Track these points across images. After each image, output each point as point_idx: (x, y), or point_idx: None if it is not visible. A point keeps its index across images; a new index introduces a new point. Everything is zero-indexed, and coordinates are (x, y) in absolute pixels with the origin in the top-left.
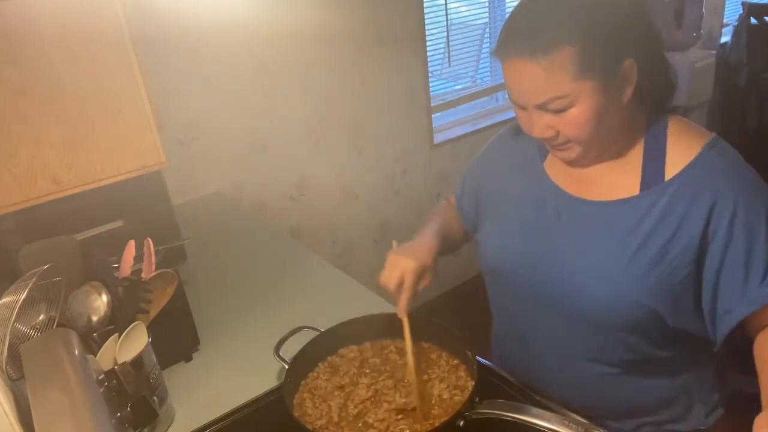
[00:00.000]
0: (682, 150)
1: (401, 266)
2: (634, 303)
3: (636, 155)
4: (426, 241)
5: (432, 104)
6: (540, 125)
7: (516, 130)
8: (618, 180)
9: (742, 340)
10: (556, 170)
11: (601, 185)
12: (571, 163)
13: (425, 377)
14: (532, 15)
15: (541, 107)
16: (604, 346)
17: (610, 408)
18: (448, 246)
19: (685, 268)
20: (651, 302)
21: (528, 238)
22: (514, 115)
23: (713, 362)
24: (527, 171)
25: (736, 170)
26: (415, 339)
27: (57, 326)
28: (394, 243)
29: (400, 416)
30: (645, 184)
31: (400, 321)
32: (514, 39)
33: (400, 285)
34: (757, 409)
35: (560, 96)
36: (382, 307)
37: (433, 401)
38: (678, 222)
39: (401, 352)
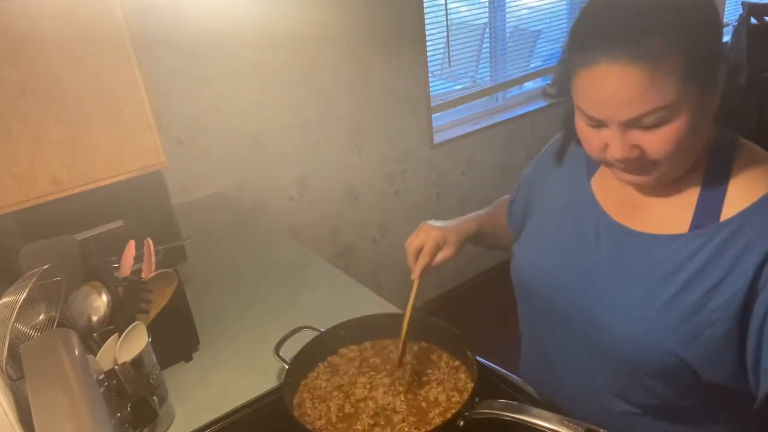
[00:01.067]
0: (745, 187)
1: (425, 232)
2: (664, 350)
3: (694, 185)
4: (462, 223)
5: (432, 104)
6: (624, 145)
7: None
8: (670, 212)
9: None
10: (603, 189)
11: (651, 215)
12: (640, 187)
13: (424, 378)
14: (628, 14)
15: (634, 122)
16: (628, 386)
17: None
18: (491, 241)
19: (726, 322)
20: (682, 352)
21: (562, 259)
22: (514, 115)
23: (749, 417)
24: (572, 185)
25: None
26: (415, 339)
27: (57, 326)
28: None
29: (399, 416)
30: (696, 222)
31: (400, 325)
32: (608, 41)
33: (419, 249)
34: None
35: (662, 107)
36: (382, 307)
37: (433, 401)
38: (726, 269)
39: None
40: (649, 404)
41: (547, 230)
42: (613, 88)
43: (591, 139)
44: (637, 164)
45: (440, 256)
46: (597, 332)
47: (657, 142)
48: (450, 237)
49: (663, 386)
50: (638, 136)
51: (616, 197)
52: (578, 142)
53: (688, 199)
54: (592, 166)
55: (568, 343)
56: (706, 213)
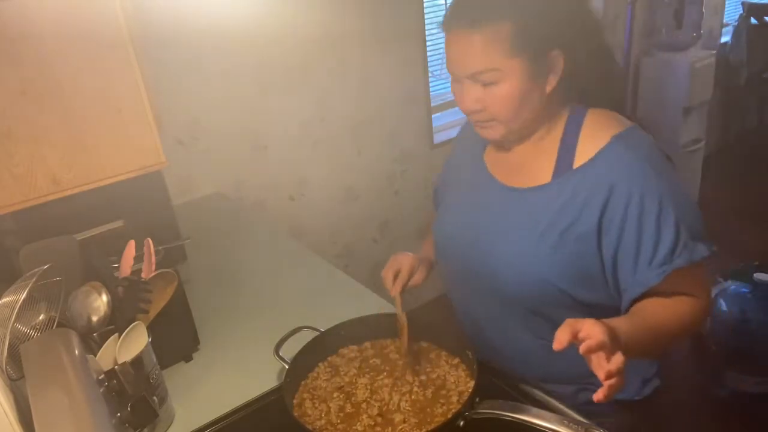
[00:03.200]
0: (592, 141)
1: (399, 260)
2: (545, 282)
3: (554, 144)
4: (425, 252)
5: (432, 104)
6: (470, 97)
7: None
8: (537, 168)
9: (739, 342)
10: (491, 159)
11: (522, 172)
12: (494, 143)
13: (424, 378)
14: None
15: (473, 77)
16: (531, 321)
17: (551, 374)
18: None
19: (587, 252)
20: (559, 282)
21: (465, 225)
22: None
23: None
24: (472, 160)
25: (638, 161)
26: (415, 339)
27: (57, 326)
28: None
29: (399, 416)
30: (556, 173)
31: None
32: (459, 12)
33: (396, 274)
34: (759, 409)
35: (492, 68)
36: (382, 307)
37: (433, 401)
38: (579, 210)
39: (401, 352)
40: (552, 332)
41: (453, 202)
42: (458, 48)
43: (456, 93)
44: (482, 118)
45: (413, 280)
46: (494, 279)
47: (492, 99)
48: (421, 264)
49: (556, 312)
50: (480, 92)
51: (500, 163)
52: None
53: (550, 154)
54: (485, 142)
55: (479, 296)
56: (562, 164)
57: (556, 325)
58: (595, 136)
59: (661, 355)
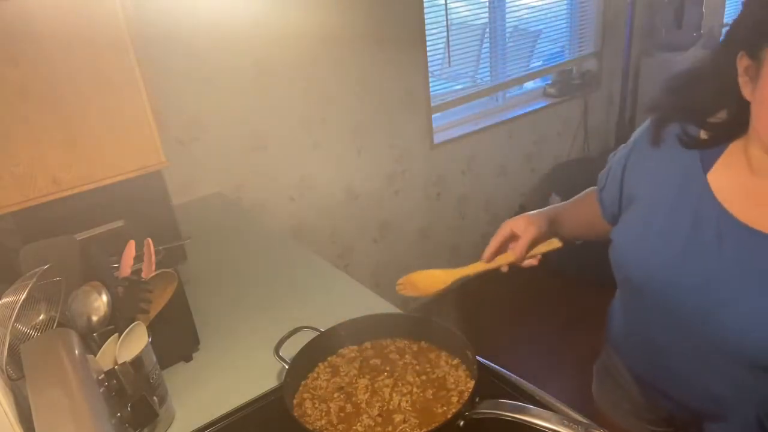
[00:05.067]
0: None
1: (504, 226)
2: None
3: None
4: (546, 211)
5: (432, 104)
6: None
7: (678, 133)
8: None
9: None
10: (723, 185)
11: None
12: None
13: (424, 378)
14: None
15: None
16: (745, 379)
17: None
18: (569, 231)
19: None
20: None
21: (680, 260)
22: (514, 115)
23: None
24: (685, 178)
25: None
26: (415, 339)
27: (57, 326)
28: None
29: (399, 416)
30: None
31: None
32: None
33: (503, 240)
34: None
35: None
36: (382, 307)
37: (433, 401)
38: None
39: (401, 352)
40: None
41: (655, 223)
42: None
43: None
44: None
45: (524, 238)
46: (723, 337)
47: None
48: (530, 220)
49: None
50: None
51: (740, 194)
52: (686, 118)
53: None
54: (707, 159)
55: (682, 342)
56: None
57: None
58: None
59: None
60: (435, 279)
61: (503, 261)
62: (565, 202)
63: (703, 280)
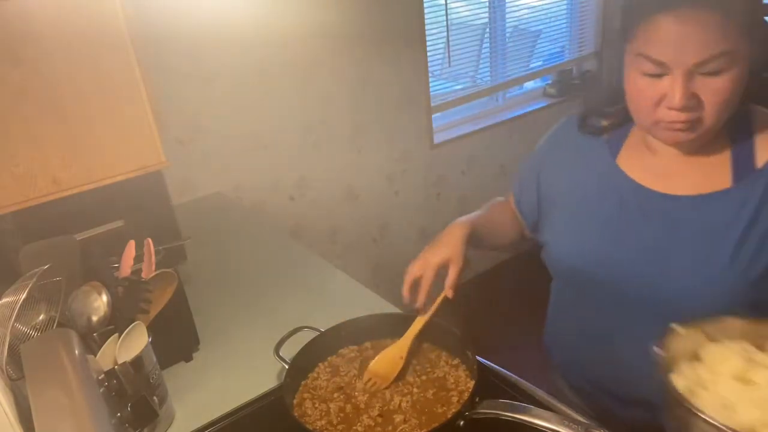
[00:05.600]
0: None
1: (422, 263)
2: (736, 302)
3: (723, 144)
4: (455, 232)
5: (432, 104)
6: (686, 92)
7: (579, 123)
8: (708, 172)
9: None
10: (631, 166)
11: (689, 178)
12: (677, 146)
13: (424, 378)
14: None
15: (700, 66)
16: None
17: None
18: (487, 242)
19: None
20: (756, 294)
21: (612, 240)
22: (514, 115)
23: None
24: (599, 167)
25: None
26: (416, 339)
27: (57, 326)
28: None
29: (399, 416)
30: (737, 175)
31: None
32: None
33: (417, 279)
34: None
35: (728, 51)
36: (382, 307)
37: (433, 401)
38: None
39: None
40: None
41: (581, 216)
42: (691, 29)
43: (645, 91)
44: (689, 117)
45: (451, 275)
46: (665, 302)
47: (715, 90)
48: (452, 250)
49: None
50: (699, 84)
51: (648, 170)
52: (601, 115)
53: (721, 157)
54: (614, 146)
55: (628, 317)
56: (742, 165)
57: None
58: None
59: None
60: (392, 359)
61: (438, 302)
62: (470, 215)
63: (639, 254)
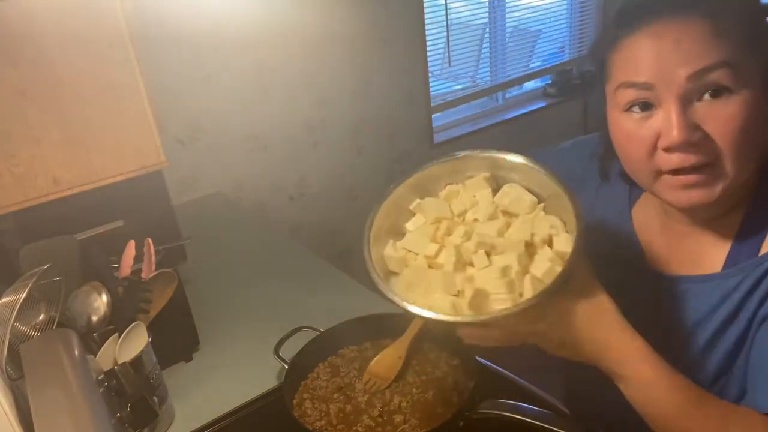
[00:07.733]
0: None
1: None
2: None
3: (736, 212)
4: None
5: (432, 104)
6: (684, 122)
7: (600, 172)
8: (706, 249)
9: None
10: (643, 221)
11: (686, 252)
12: (693, 211)
13: (424, 377)
14: None
15: (695, 80)
16: None
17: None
18: None
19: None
20: (726, 381)
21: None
22: (514, 115)
23: None
24: (613, 206)
25: None
26: (416, 339)
27: (57, 326)
28: None
29: (399, 417)
30: (731, 260)
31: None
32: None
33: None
34: None
35: (726, 61)
36: (382, 307)
37: (433, 401)
38: (764, 296)
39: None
40: None
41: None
42: (676, 39)
43: (636, 133)
44: (698, 159)
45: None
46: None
47: (724, 118)
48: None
49: None
50: (700, 112)
51: (655, 231)
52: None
53: (726, 231)
54: (635, 191)
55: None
56: (744, 248)
57: None
58: None
59: None
60: (391, 359)
61: None
62: None
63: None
